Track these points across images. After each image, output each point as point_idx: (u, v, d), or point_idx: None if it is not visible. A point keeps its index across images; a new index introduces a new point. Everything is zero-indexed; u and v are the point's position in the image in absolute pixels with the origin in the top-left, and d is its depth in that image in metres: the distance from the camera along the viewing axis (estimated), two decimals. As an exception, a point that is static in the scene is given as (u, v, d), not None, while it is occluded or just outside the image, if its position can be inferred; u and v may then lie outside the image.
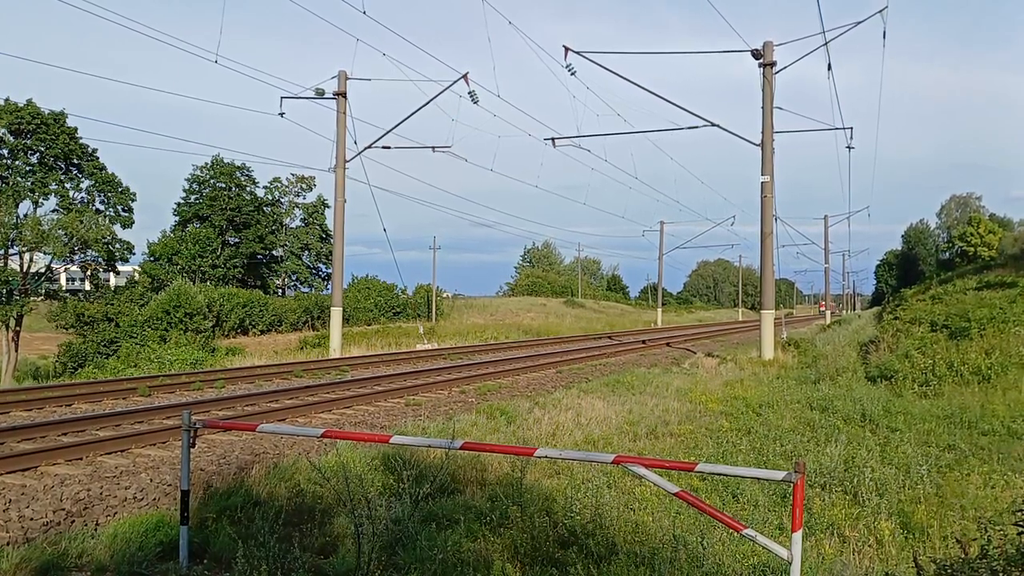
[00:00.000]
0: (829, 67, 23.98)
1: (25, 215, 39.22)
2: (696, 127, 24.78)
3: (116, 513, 7.57)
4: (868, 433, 11.07)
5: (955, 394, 14.27)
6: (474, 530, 6.41)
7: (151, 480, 8.53)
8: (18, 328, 38.01)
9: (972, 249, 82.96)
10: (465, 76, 24.92)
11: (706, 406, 13.97)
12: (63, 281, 52.38)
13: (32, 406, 13.74)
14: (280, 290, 71.54)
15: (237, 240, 63.32)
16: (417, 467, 7.61)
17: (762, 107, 23.40)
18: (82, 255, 40.56)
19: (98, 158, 44.42)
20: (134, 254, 45.44)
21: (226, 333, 42.60)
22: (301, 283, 74.02)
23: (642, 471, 4.91)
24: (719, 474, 7.06)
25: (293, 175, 73.00)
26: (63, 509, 7.48)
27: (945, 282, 31.63)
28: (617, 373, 20.39)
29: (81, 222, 38.26)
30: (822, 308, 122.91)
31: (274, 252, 70.21)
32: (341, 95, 26.53)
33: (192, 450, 6.17)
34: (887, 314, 28.93)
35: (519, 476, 7.43)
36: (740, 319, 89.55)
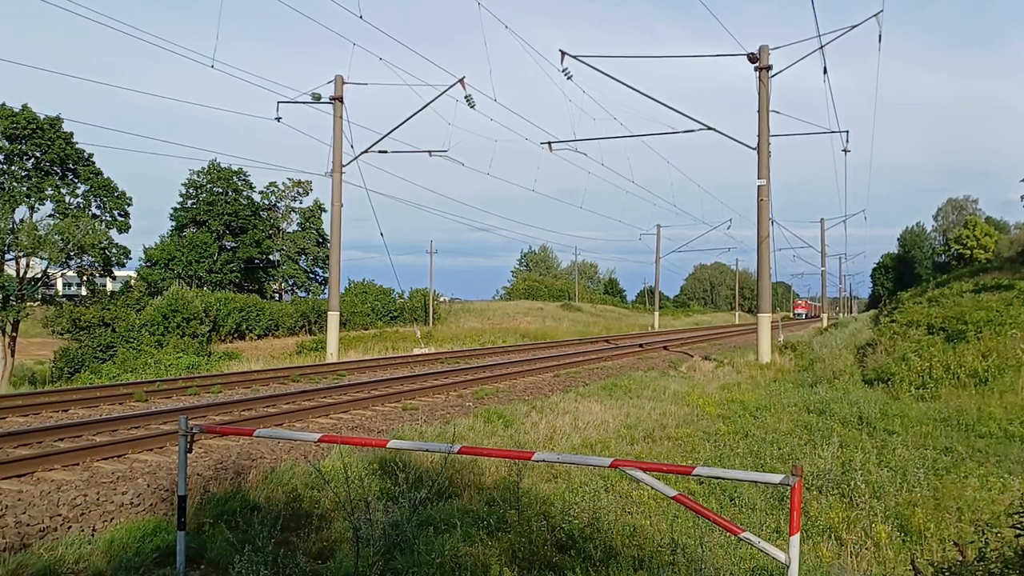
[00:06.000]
0: (825, 71, 24.10)
1: (21, 220, 39.14)
2: (692, 131, 24.85)
3: (113, 519, 7.55)
4: (865, 436, 11.08)
5: (952, 397, 14.29)
6: (471, 534, 6.40)
7: (148, 485, 8.50)
8: (14, 333, 37.93)
9: (968, 252, 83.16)
10: (461, 80, 24.94)
11: (703, 410, 13.97)
12: (59, 286, 52.23)
13: (28, 412, 13.71)
14: (277, 295, 71.49)
15: (234, 245, 63.30)
16: (414, 471, 7.60)
17: (758, 111, 23.46)
18: (78, 260, 40.50)
19: (94, 163, 44.42)
20: (131, 259, 45.44)
21: (223, 338, 42.57)
22: (298, 287, 74.02)
23: (639, 475, 4.91)
24: (716, 477, 7.05)
25: (290, 180, 73.12)
26: (59, 515, 7.46)
27: (941, 285, 31.67)
28: (614, 377, 20.39)
29: (77, 227, 38.21)
30: (799, 309, 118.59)
31: (271, 257, 70.21)
32: (338, 99, 26.52)
33: (189, 455, 6.16)
34: (884, 317, 28.96)
35: (516, 480, 7.42)
36: (737, 322, 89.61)
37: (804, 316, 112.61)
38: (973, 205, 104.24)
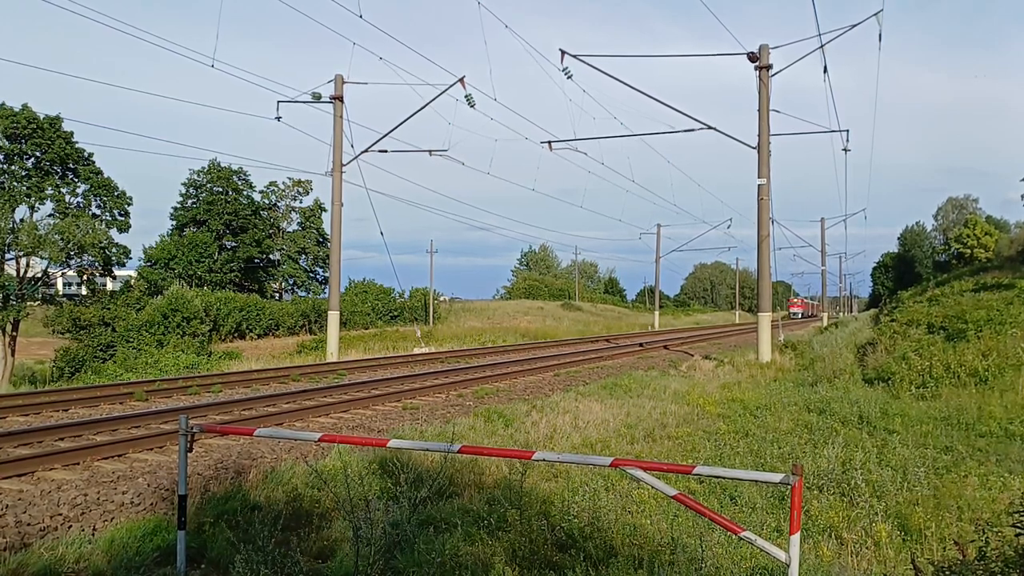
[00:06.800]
0: (825, 69, 24.06)
1: (21, 220, 39.12)
2: (692, 130, 24.82)
3: (113, 518, 7.55)
4: (865, 435, 11.08)
5: (952, 396, 14.29)
6: (472, 534, 6.40)
7: (148, 485, 8.50)
8: (15, 333, 37.92)
9: (968, 251, 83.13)
10: (461, 80, 24.92)
11: (704, 409, 13.97)
12: (60, 286, 52.19)
13: (29, 411, 13.71)
14: (277, 294, 71.47)
15: (234, 244, 63.27)
16: (415, 471, 7.60)
17: (758, 110, 23.44)
18: (79, 260, 40.46)
19: (94, 162, 44.35)
20: (131, 258, 45.39)
21: (223, 337, 42.52)
22: (298, 287, 73.97)
23: (640, 474, 4.91)
24: (717, 477, 7.05)
25: (290, 179, 73.07)
26: (60, 514, 7.46)
27: (942, 284, 31.66)
28: (614, 376, 20.39)
29: (77, 227, 38.17)
30: (794, 308, 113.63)
31: (271, 256, 70.15)
32: (338, 99, 26.51)
33: (189, 455, 6.16)
34: (884, 316, 28.95)
35: (517, 479, 7.42)
36: (737, 321, 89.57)
37: (800, 315, 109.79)
38: (973, 204, 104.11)
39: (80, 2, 43.33)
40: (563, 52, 22.66)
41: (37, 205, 41.82)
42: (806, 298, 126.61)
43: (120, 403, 15.19)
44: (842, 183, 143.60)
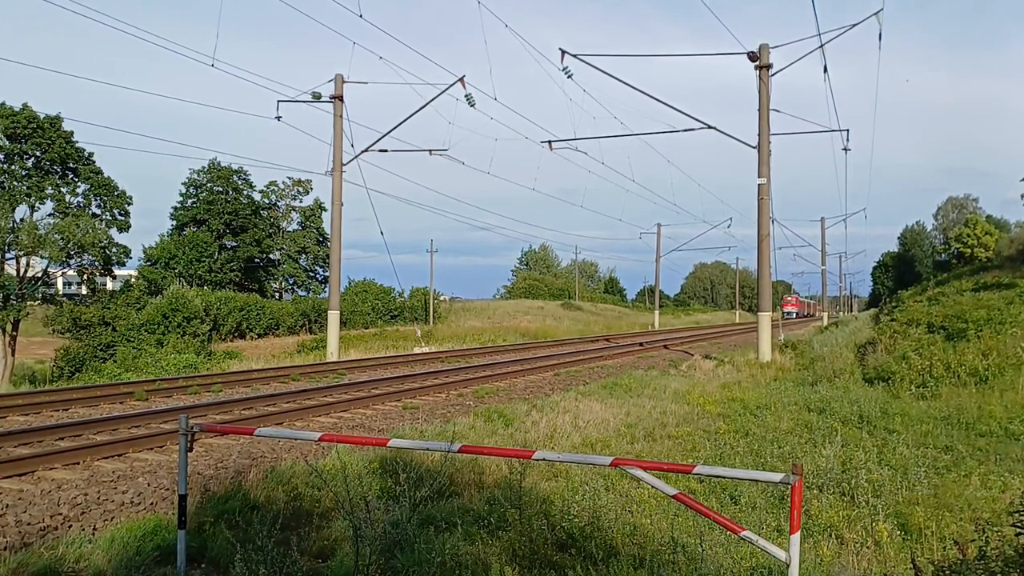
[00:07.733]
0: (825, 69, 24.05)
1: (21, 219, 39.11)
2: (693, 130, 24.82)
3: (113, 518, 7.55)
4: (865, 435, 11.08)
5: (952, 395, 14.29)
6: (472, 533, 6.40)
7: (148, 484, 8.51)
8: (15, 333, 37.91)
9: (968, 250, 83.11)
10: (461, 79, 24.92)
11: (704, 408, 13.97)
12: (60, 285, 52.16)
13: (29, 411, 13.71)
14: (277, 294, 71.48)
15: (234, 244, 63.30)
16: (415, 470, 7.60)
17: (758, 109, 23.43)
18: (79, 259, 40.45)
19: (94, 162, 44.32)
20: (131, 258, 45.40)
21: (223, 337, 42.53)
22: (298, 287, 74.01)
23: (640, 473, 4.91)
24: (717, 476, 7.05)
25: (290, 179, 73.11)
26: (60, 514, 7.46)
27: (942, 283, 31.68)
28: (614, 376, 20.39)
29: (77, 226, 38.17)
30: (788, 308, 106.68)
31: (271, 256, 70.18)
32: (338, 98, 26.51)
33: (189, 454, 6.16)
34: (884, 316, 28.94)
35: (517, 479, 7.41)
36: (737, 321, 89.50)
37: (794, 315, 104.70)
38: (973, 204, 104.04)
39: (80, 2, 43.30)
40: (563, 52, 22.66)
41: (37, 205, 41.81)
42: (803, 297, 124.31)
43: (120, 403, 15.19)
44: (842, 183, 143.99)
